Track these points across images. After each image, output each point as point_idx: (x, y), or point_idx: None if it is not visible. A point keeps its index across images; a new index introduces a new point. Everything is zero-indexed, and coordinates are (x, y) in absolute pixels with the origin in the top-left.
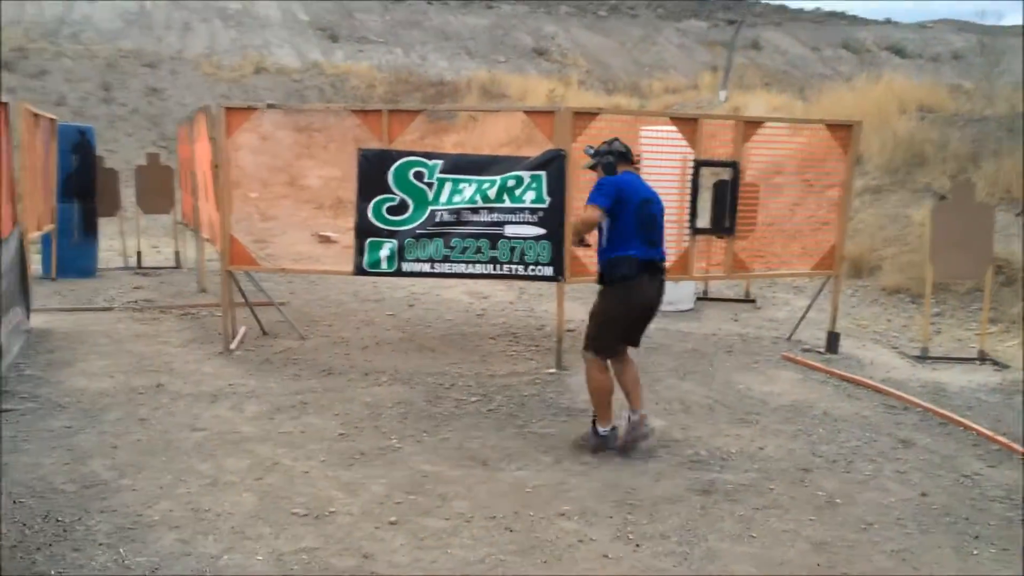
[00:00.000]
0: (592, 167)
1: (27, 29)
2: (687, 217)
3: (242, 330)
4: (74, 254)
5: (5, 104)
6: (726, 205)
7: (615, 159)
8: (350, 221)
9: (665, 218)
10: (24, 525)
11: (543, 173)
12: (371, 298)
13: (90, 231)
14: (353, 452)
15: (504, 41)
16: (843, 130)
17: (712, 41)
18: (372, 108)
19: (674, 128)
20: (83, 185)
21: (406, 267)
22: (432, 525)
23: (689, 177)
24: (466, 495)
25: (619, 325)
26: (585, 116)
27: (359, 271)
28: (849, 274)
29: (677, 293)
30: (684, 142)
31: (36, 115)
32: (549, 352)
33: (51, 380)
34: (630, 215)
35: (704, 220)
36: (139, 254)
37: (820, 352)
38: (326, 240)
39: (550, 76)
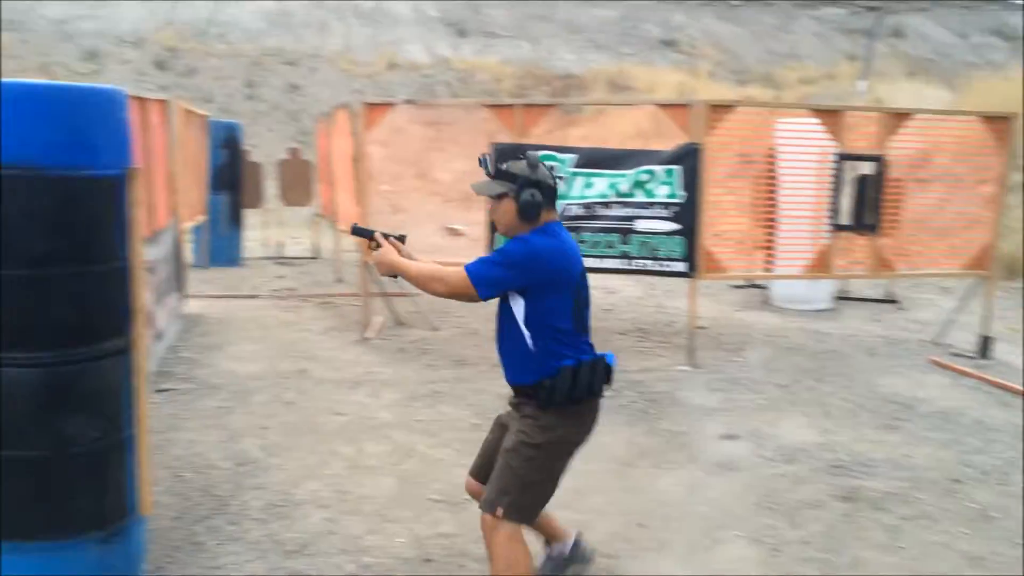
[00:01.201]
0: (496, 196)
1: (179, 30)
2: (826, 213)
3: (378, 319)
4: (222, 244)
5: (165, 102)
6: (869, 201)
7: (544, 198)
8: (478, 214)
9: (802, 214)
10: (185, 498)
11: (677, 167)
12: None
13: (236, 222)
14: None
15: (632, 33)
16: (999, 123)
17: (851, 28)
18: (505, 103)
19: (815, 121)
20: (231, 178)
21: None
22: (566, 518)
23: (828, 172)
24: (599, 490)
25: (561, 471)
26: (721, 109)
27: None
28: (1001, 275)
29: (813, 292)
30: (823, 135)
31: (190, 112)
32: (680, 349)
33: (205, 362)
34: (566, 297)
35: (844, 216)
36: (280, 244)
37: (971, 357)
38: (455, 233)
39: (679, 68)
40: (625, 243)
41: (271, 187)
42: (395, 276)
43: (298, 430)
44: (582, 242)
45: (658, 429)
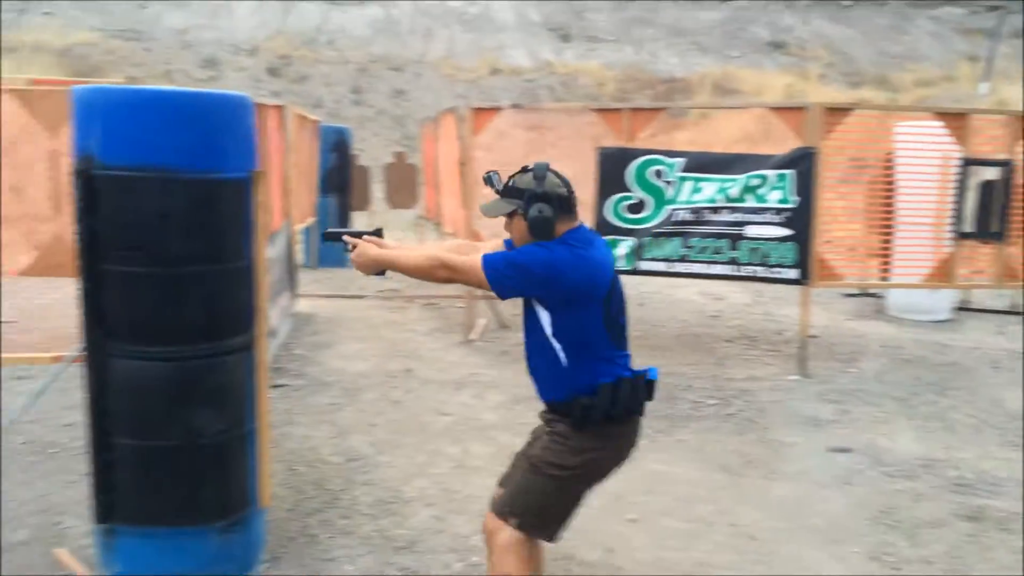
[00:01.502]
0: (508, 214)
1: (290, 38)
2: (949, 220)
3: (481, 322)
4: (331, 245)
5: (281, 107)
6: (995, 207)
7: (554, 211)
8: (580, 217)
9: (922, 220)
10: (298, 491)
11: (790, 172)
12: None
13: (344, 224)
14: None
15: (738, 35)
16: None
17: (970, 29)
18: (612, 107)
19: (938, 124)
20: (340, 182)
21: (643, 266)
22: (673, 526)
23: (951, 177)
24: (707, 499)
25: (583, 494)
26: (837, 112)
27: None
28: None
29: (933, 301)
30: (946, 139)
31: (303, 117)
32: (790, 358)
33: (316, 360)
34: (596, 310)
35: (968, 224)
36: None
37: None
38: None
39: (787, 70)
40: (734, 249)
41: (377, 190)
42: (382, 273)
43: (405, 428)
44: (689, 247)
45: (768, 439)
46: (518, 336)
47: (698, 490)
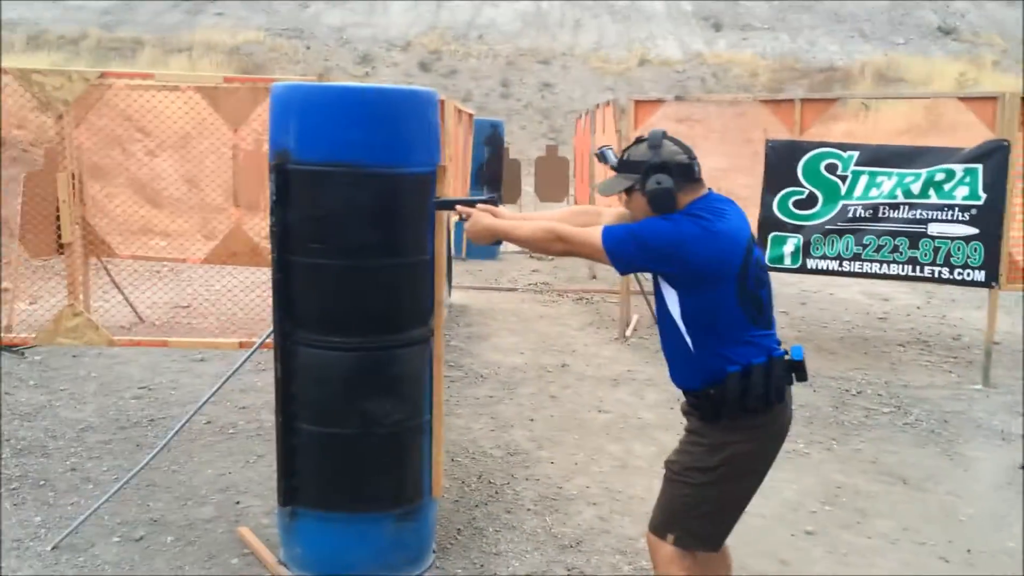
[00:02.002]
0: (627, 190)
1: (442, 33)
2: None
3: (635, 318)
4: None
5: (442, 102)
6: None
7: (675, 180)
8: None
9: None
10: (463, 483)
11: (979, 166)
12: None
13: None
14: None
15: (904, 21)
16: None
17: None
18: (784, 98)
19: None
20: (492, 174)
21: (811, 264)
22: (853, 541)
23: None
24: (889, 514)
25: (748, 495)
26: None
27: None
28: None
29: None
30: None
31: (460, 111)
32: (971, 366)
33: (472, 352)
34: (728, 288)
35: None
36: None
37: None
38: None
39: (958, 58)
40: (914, 248)
41: (526, 183)
42: (498, 242)
43: (564, 424)
44: (863, 245)
45: (951, 452)
46: None
47: (878, 504)
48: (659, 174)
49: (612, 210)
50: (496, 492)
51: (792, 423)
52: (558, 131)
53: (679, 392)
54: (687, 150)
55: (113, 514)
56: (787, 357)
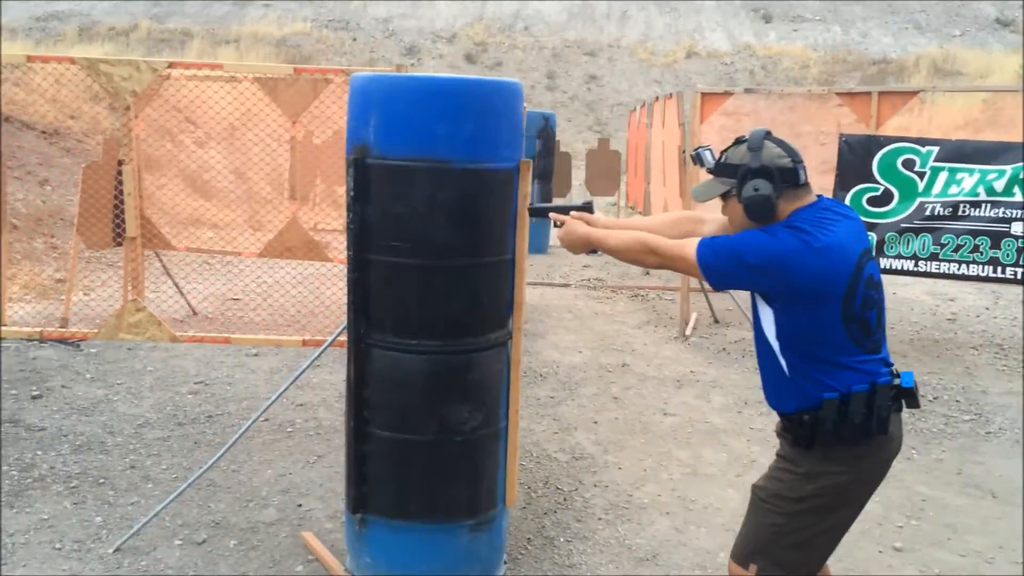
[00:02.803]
0: (723, 195)
1: (487, 25)
2: None
3: (694, 316)
4: (532, 231)
5: None
6: None
7: (776, 187)
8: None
9: None
10: (529, 489)
11: None
12: None
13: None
14: None
15: (961, 12)
16: None
17: None
18: (861, 90)
19: None
20: (544, 167)
21: (884, 263)
22: (946, 559)
23: None
24: (981, 530)
25: (844, 523)
26: None
27: None
28: None
29: None
30: None
31: None
32: None
33: (530, 350)
34: (833, 308)
35: None
36: None
37: None
38: None
39: (1017, 50)
40: (996, 248)
41: (575, 176)
42: (594, 251)
43: (629, 428)
44: (942, 244)
45: None
46: (735, 332)
47: (968, 519)
48: (758, 179)
49: (714, 217)
50: (564, 499)
51: None
52: (604, 123)
53: (749, 396)
54: (792, 152)
55: (175, 515)
56: (895, 382)
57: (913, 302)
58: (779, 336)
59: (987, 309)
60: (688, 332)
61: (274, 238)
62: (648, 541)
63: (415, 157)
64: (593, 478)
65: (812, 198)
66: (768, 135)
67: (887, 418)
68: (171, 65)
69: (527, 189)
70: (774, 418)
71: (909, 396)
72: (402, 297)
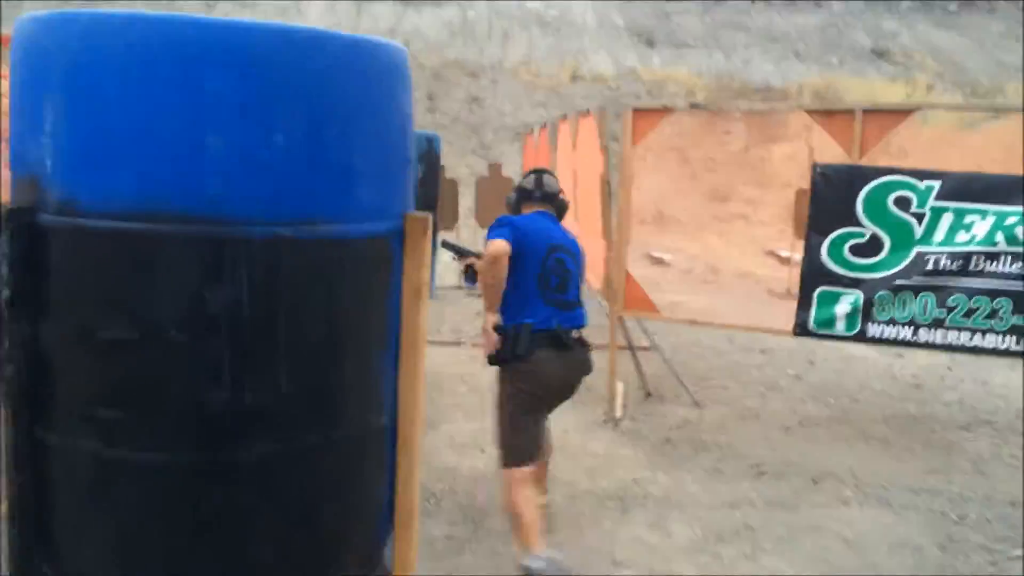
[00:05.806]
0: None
1: None
2: None
3: (620, 388)
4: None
5: None
6: None
7: (517, 196)
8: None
9: None
10: None
11: None
12: (752, 346)
13: (431, 244)
14: None
15: (838, 42)
16: None
17: None
18: (841, 109)
19: None
20: (427, 196)
21: (874, 330)
22: None
23: None
24: None
25: (526, 418)
26: None
27: (803, 331)
28: None
29: None
30: None
31: None
32: None
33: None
34: (531, 267)
35: None
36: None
37: None
38: (659, 262)
39: (894, 80)
40: (1020, 312)
41: (463, 205)
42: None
43: None
44: (948, 308)
45: None
46: (674, 411)
47: None
48: (512, 192)
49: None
50: None
51: None
52: (488, 147)
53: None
54: (538, 182)
55: None
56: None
57: (861, 360)
58: (507, 288)
59: (949, 369)
60: (618, 413)
61: None
62: None
63: (158, 214)
64: None
65: (545, 207)
66: (536, 173)
67: (528, 346)
68: None
69: (426, 276)
70: (760, 563)
71: (557, 339)
72: None
